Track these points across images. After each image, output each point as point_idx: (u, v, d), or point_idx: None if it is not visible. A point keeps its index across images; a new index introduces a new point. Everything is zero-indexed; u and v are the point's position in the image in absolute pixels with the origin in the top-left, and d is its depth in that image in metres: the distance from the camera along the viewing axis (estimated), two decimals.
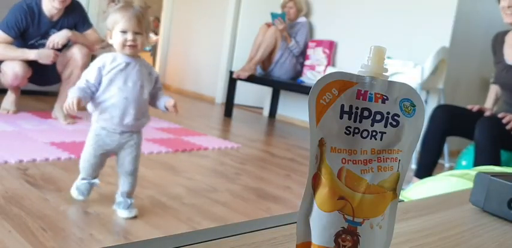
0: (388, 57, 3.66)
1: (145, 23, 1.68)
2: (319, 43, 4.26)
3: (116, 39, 1.65)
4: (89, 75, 1.67)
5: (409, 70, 3.32)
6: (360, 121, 0.37)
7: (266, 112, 4.88)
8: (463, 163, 2.65)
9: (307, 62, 4.32)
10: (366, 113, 0.37)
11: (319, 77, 3.63)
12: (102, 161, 1.79)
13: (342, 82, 0.38)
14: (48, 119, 3.21)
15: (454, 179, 1.24)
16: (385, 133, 0.37)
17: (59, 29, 3.15)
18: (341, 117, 0.37)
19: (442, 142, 2.53)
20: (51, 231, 1.54)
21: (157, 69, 6.43)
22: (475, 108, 2.55)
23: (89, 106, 1.74)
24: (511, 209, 0.59)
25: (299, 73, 4.37)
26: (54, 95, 3.38)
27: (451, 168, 3.21)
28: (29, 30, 3.10)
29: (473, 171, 1.26)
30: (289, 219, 0.51)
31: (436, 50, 3.28)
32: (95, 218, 1.70)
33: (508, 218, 0.60)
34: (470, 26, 3.65)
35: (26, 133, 2.76)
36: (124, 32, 1.64)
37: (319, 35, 4.40)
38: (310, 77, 4.15)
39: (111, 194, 1.88)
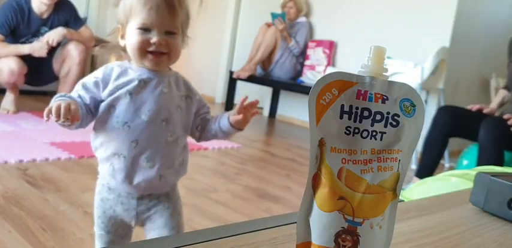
0: (388, 57, 3.66)
1: (183, 14, 1.03)
2: (319, 43, 4.26)
3: (131, 40, 1.00)
4: (82, 90, 1.03)
5: (409, 70, 3.32)
6: (360, 121, 0.37)
7: (266, 112, 4.88)
8: (465, 162, 2.65)
9: (307, 62, 4.32)
10: (366, 113, 0.37)
11: (319, 77, 3.64)
12: (123, 238, 1.12)
13: (342, 82, 0.38)
14: None
15: (454, 179, 1.24)
16: (385, 133, 0.37)
17: (50, 27, 3.16)
18: (341, 117, 0.37)
19: (445, 143, 2.54)
20: (51, 231, 1.54)
21: None
22: (475, 107, 2.56)
23: (92, 140, 1.11)
24: (511, 209, 0.59)
25: (299, 73, 4.37)
26: (54, 95, 3.38)
27: (451, 168, 3.21)
28: (19, 27, 3.10)
29: (474, 171, 1.26)
30: (289, 219, 0.51)
31: (436, 50, 3.28)
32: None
33: (508, 218, 0.60)
34: (470, 26, 3.65)
35: (26, 133, 2.76)
36: (146, 29, 0.98)
37: (319, 35, 4.40)
38: (310, 77, 4.15)
39: None
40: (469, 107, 2.59)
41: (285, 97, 4.71)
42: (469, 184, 1.11)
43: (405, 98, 0.38)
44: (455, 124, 2.50)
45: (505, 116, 2.38)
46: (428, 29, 3.58)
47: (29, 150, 2.43)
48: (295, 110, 4.58)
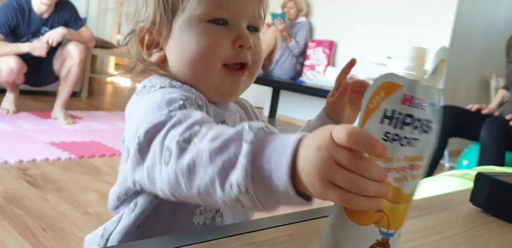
0: (388, 57, 3.66)
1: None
2: (319, 43, 4.26)
3: (192, 45, 0.56)
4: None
5: None
6: (401, 128, 0.35)
7: (266, 112, 4.88)
8: (464, 162, 2.65)
9: (307, 62, 4.32)
10: (408, 120, 0.35)
11: (319, 77, 3.56)
12: None
13: (389, 85, 0.35)
14: (48, 119, 3.21)
15: (454, 179, 1.24)
16: (418, 139, 0.35)
17: (50, 27, 3.16)
18: (381, 122, 0.35)
19: (445, 143, 2.54)
20: (51, 231, 1.54)
21: None
22: (474, 107, 2.57)
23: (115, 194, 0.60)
24: (511, 209, 0.59)
25: (299, 73, 4.36)
26: (54, 95, 3.38)
27: (451, 168, 3.21)
28: (19, 27, 3.10)
29: (474, 171, 1.26)
30: (289, 219, 0.51)
31: (436, 50, 3.28)
32: (95, 218, 1.70)
33: (508, 219, 0.60)
34: (470, 26, 3.65)
35: (26, 133, 2.76)
36: (220, 21, 0.57)
37: (319, 35, 4.40)
38: (310, 77, 4.15)
39: None
40: (468, 107, 2.59)
41: (285, 97, 4.71)
42: (469, 184, 1.11)
43: (432, 102, 0.36)
44: (456, 124, 2.50)
45: (507, 116, 2.38)
46: (428, 29, 3.58)
47: (29, 150, 2.43)
48: (295, 110, 4.58)
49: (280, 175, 0.35)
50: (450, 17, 3.46)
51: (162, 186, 0.44)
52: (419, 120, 0.35)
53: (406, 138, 0.35)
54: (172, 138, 0.43)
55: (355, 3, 4.11)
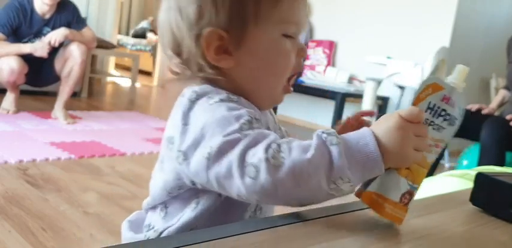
0: (388, 57, 3.67)
1: None
2: (319, 43, 4.26)
3: (273, 57, 0.60)
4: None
5: (409, 70, 3.32)
6: (437, 117, 0.52)
7: None
8: (465, 162, 2.65)
9: (307, 62, 4.31)
10: (443, 113, 0.52)
11: (318, 76, 3.56)
12: None
13: (436, 85, 0.52)
14: (48, 119, 3.21)
15: (454, 179, 1.24)
16: (444, 128, 0.53)
17: (52, 27, 3.16)
18: (426, 111, 0.52)
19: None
20: (51, 231, 1.54)
21: (157, 69, 6.43)
22: (474, 107, 2.57)
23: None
24: (511, 209, 0.59)
25: (299, 73, 4.36)
26: (54, 95, 3.38)
27: (451, 168, 3.21)
28: (21, 27, 3.11)
29: (474, 171, 1.25)
30: (289, 219, 0.51)
31: (436, 50, 3.28)
32: (95, 218, 1.70)
33: (508, 219, 0.60)
34: (470, 26, 3.65)
35: (26, 133, 2.76)
36: (288, 36, 0.60)
37: (319, 35, 4.40)
38: (310, 77, 4.15)
39: (111, 195, 1.87)
40: (468, 107, 2.59)
41: (285, 97, 4.70)
42: (469, 184, 1.11)
43: (460, 106, 0.53)
44: None
45: (508, 117, 2.38)
46: (428, 28, 3.58)
47: (29, 150, 2.43)
48: (296, 110, 4.58)
49: (372, 159, 0.48)
50: (450, 17, 3.46)
51: (244, 194, 0.49)
52: (449, 115, 0.52)
53: (437, 125, 0.52)
54: (254, 155, 0.48)
55: (355, 3, 4.11)
